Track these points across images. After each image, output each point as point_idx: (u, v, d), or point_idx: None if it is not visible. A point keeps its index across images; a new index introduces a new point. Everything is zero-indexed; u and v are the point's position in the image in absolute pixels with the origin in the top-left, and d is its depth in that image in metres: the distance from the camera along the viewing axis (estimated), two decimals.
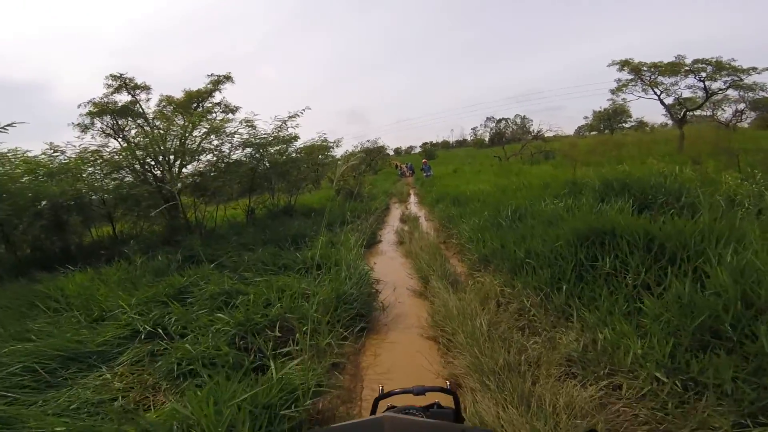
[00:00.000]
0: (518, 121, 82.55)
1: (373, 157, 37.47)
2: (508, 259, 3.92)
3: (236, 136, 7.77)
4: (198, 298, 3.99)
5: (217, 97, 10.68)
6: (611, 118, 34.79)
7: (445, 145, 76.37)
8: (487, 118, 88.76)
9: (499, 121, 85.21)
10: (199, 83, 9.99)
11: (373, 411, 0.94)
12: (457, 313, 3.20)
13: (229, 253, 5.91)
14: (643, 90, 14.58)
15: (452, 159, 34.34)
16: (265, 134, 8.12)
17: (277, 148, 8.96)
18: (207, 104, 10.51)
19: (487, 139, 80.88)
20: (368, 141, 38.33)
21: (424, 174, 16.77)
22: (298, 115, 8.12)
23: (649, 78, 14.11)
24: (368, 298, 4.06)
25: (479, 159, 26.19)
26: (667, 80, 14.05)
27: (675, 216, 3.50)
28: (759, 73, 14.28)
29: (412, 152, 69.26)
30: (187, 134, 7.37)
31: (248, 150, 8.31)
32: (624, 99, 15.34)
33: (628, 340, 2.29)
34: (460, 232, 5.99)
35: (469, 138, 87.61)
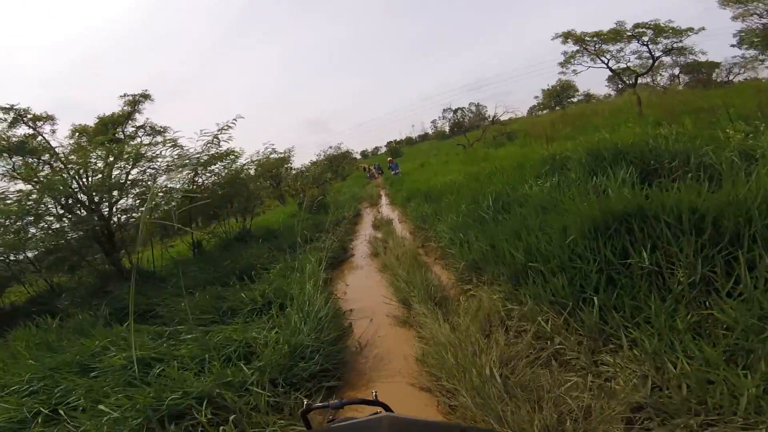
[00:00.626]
0: (473, 108, 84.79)
1: (338, 163, 36.45)
2: (505, 263, 3.11)
3: (159, 159, 6.54)
4: (107, 368, 2.95)
5: (139, 119, 9.35)
6: (560, 95, 35.70)
7: (409, 141, 76.29)
8: (444, 110, 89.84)
9: (456, 110, 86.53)
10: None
11: (306, 423, 0.93)
12: (453, 353, 2.33)
13: (166, 300, 4.77)
14: (591, 60, 14.53)
15: (417, 154, 33.85)
16: (195, 154, 6.91)
17: (217, 166, 7.78)
18: (128, 129, 9.14)
19: (447, 129, 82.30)
20: (331, 147, 37.22)
21: (392, 172, 15.98)
22: (230, 127, 6.98)
23: (594, 47, 14.04)
24: (335, 345, 3.11)
25: (443, 150, 25.79)
26: (612, 48, 14.04)
27: (693, 182, 2.83)
28: (696, 33, 14.64)
29: (379, 153, 68.67)
30: (107, 166, 6.09)
31: (179, 174, 7.09)
32: (574, 71, 15.28)
33: (722, 371, 1.51)
34: (438, 233, 5.16)
35: (430, 131, 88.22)
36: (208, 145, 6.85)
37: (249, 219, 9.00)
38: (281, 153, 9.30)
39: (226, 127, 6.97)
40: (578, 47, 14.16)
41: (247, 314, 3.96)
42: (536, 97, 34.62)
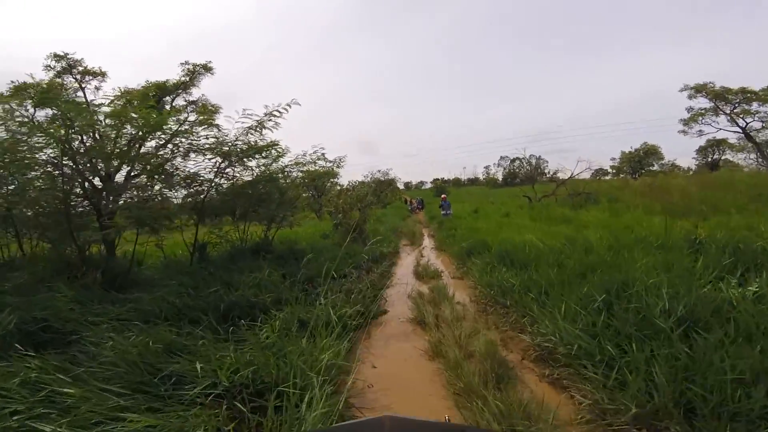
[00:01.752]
0: (533, 161, 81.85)
1: (382, 189, 35.48)
2: None
3: (185, 137, 5.26)
4: None
5: (195, 93, 8.48)
6: (641, 160, 32.56)
7: (457, 182, 74.80)
8: (501, 157, 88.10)
9: (513, 160, 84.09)
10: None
11: None
12: None
13: (92, 329, 3.18)
14: (730, 120, 12.09)
15: (466, 197, 31.90)
16: (230, 139, 5.60)
17: (255, 161, 6.45)
18: (179, 101, 8.27)
19: (500, 178, 79.57)
20: (379, 171, 36.54)
21: (443, 212, 14.15)
22: (280, 113, 5.60)
23: (733, 107, 11.67)
24: None
25: (499, 198, 23.64)
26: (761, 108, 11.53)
27: None
28: None
29: (423, 187, 67.63)
30: (118, 133, 4.91)
31: (208, 159, 5.78)
32: (700, 131, 12.88)
33: None
34: (545, 327, 3.20)
35: (481, 176, 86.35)
36: (249, 130, 5.51)
37: (274, 229, 7.51)
38: (330, 162, 7.78)
39: (276, 113, 5.61)
40: (711, 104, 11.87)
41: (189, 402, 2.23)
42: (613, 158, 31.77)
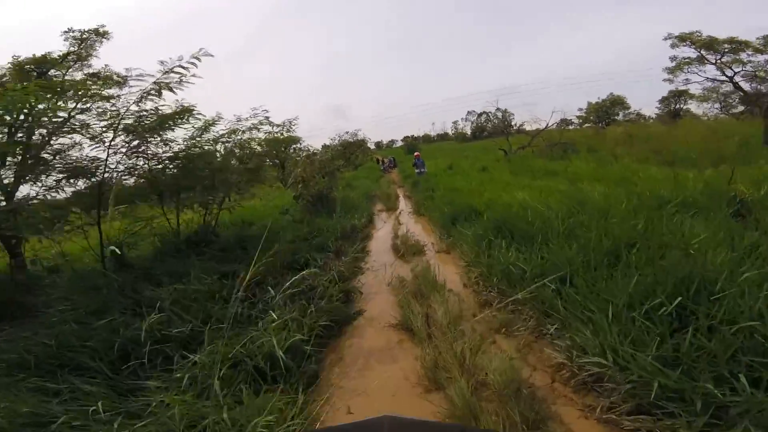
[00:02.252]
0: (499, 114, 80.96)
1: (352, 150, 33.47)
2: None
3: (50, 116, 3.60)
4: None
5: (96, 64, 6.48)
6: (608, 110, 32.46)
7: (427, 138, 73.11)
8: (468, 112, 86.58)
9: (480, 114, 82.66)
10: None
11: None
12: None
13: None
14: (719, 70, 11.35)
15: (438, 152, 30.77)
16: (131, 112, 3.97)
17: (183, 135, 4.87)
18: (75, 74, 6.27)
19: (469, 132, 78.58)
20: (347, 133, 34.26)
21: (417, 171, 12.98)
22: (185, 68, 3.92)
23: (720, 55, 10.89)
24: None
25: (472, 152, 22.73)
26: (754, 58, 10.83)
27: None
28: None
29: (394, 146, 65.66)
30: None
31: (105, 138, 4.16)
32: (687, 80, 12.16)
33: None
34: (584, 339, 2.26)
35: (450, 132, 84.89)
36: (145, 96, 3.87)
37: (215, 212, 6.08)
38: (278, 126, 6.23)
39: (179, 69, 3.92)
40: (697, 53, 11.03)
41: None
42: (580, 108, 31.33)
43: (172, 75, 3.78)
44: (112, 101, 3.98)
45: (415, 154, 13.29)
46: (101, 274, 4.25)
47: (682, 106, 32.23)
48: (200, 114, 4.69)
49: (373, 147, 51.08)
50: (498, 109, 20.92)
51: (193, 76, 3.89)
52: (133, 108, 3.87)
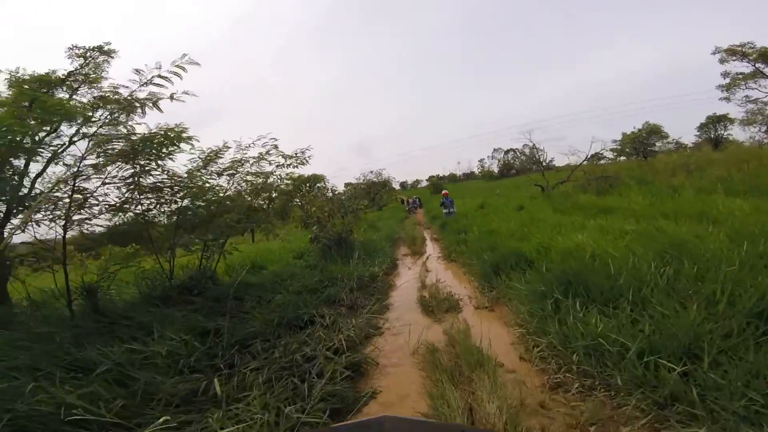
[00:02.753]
0: (527, 151, 79.62)
1: (377, 190, 33.35)
2: None
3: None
4: None
5: (105, 84, 6.34)
6: (645, 141, 30.66)
7: (452, 177, 72.93)
8: (495, 150, 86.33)
9: (507, 151, 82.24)
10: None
11: None
12: None
13: None
14: None
15: (465, 191, 29.83)
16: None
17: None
18: (84, 96, 6.14)
19: (496, 170, 77.46)
20: (372, 173, 34.44)
21: (445, 211, 11.99)
22: (164, 78, 3.37)
23: None
24: None
25: (504, 190, 21.57)
26: None
27: None
28: None
29: (419, 186, 65.73)
30: None
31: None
32: (747, 97, 10.89)
33: None
34: None
35: (476, 170, 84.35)
36: (118, 110, 3.34)
37: (215, 257, 5.35)
38: (290, 157, 5.59)
39: (160, 78, 3.37)
40: (752, 67, 9.87)
41: None
42: (615, 140, 29.73)
43: (153, 88, 3.23)
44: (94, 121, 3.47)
45: (443, 192, 12.40)
46: (59, 321, 3.50)
47: (722, 132, 29.96)
48: (189, 137, 4.05)
49: (398, 187, 51.19)
50: (526, 144, 19.97)
51: (185, 93, 3.33)
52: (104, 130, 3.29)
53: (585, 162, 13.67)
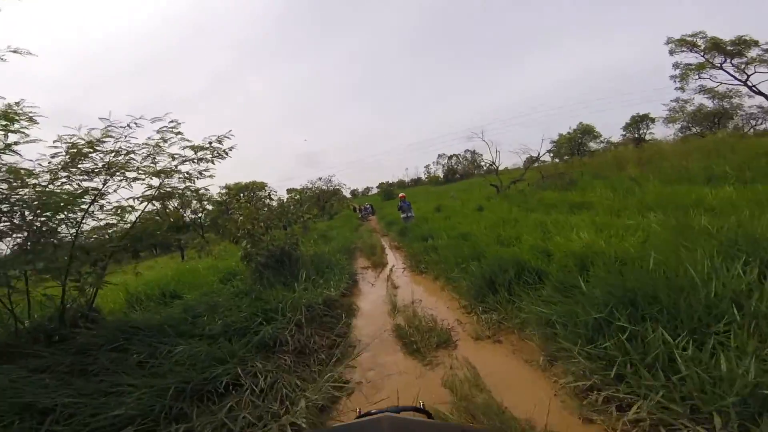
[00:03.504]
0: (468, 156, 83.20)
1: (327, 198, 31.59)
2: None
3: None
4: None
5: None
6: (580, 140, 32.95)
7: (401, 184, 73.36)
8: (439, 155, 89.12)
9: (451, 157, 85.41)
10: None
11: None
12: None
13: None
14: (738, 71, 10.56)
15: (417, 195, 29.41)
16: None
17: None
18: None
19: (441, 175, 79.62)
20: (320, 179, 32.60)
21: (403, 215, 10.91)
22: None
23: (729, 57, 10.16)
24: None
25: (456, 192, 21.32)
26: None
27: None
28: None
29: (370, 193, 64.95)
30: None
31: None
32: (702, 86, 11.34)
33: None
34: None
35: (423, 176, 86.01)
36: None
37: (90, 290, 3.56)
38: (201, 150, 3.98)
39: None
40: (703, 58, 10.24)
41: None
42: (553, 141, 31.44)
43: None
44: None
45: (401, 195, 11.33)
46: None
47: (644, 130, 33.54)
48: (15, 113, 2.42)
49: (348, 195, 49.75)
50: (467, 150, 20.00)
51: None
52: None
53: (536, 161, 13.64)
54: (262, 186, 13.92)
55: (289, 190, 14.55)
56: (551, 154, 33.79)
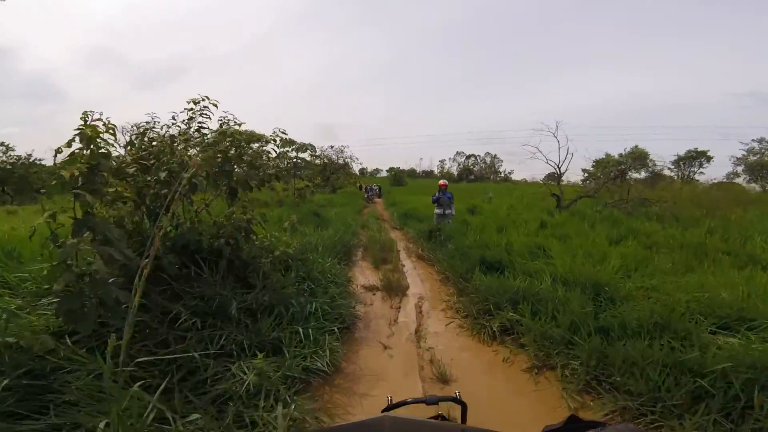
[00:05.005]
0: (487, 159, 78.92)
1: (333, 170, 28.26)
2: None
3: None
4: None
5: None
6: (630, 165, 29.59)
7: (412, 173, 69.64)
8: (457, 152, 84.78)
9: (469, 156, 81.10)
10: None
11: None
12: None
13: None
14: None
15: (422, 189, 26.08)
16: None
17: None
18: None
19: (455, 173, 75.63)
20: (332, 148, 29.08)
21: (438, 211, 7.38)
22: None
23: None
24: None
25: (472, 194, 17.97)
26: None
27: None
28: None
29: (378, 175, 61.40)
30: None
31: None
32: None
33: None
34: None
35: (436, 170, 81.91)
36: None
37: None
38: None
39: None
40: None
41: None
42: (593, 165, 27.91)
43: None
44: None
45: (441, 183, 7.55)
46: None
47: (696, 168, 30.03)
48: None
49: (357, 172, 46.20)
50: (487, 153, 16.63)
51: None
52: None
53: (620, 177, 10.33)
54: (260, 137, 10.56)
55: (284, 142, 11.13)
56: (584, 174, 30.08)
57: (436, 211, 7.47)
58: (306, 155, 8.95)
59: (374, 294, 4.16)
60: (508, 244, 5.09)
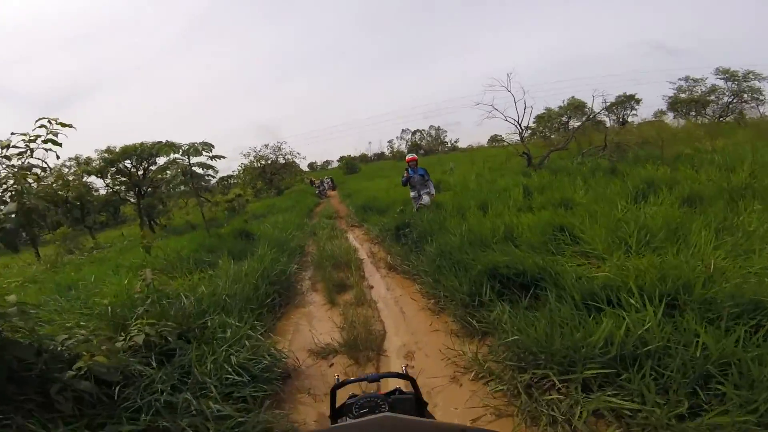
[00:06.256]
0: (432, 132, 79.12)
1: (275, 171, 25.50)
2: None
3: None
4: None
5: None
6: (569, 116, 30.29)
7: (364, 158, 67.79)
8: (403, 130, 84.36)
9: (414, 132, 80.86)
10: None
11: (333, 401, 0.90)
12: None
13: None
14: None
15: (386, 171, 24.49)
16: None
17: None
18: None
19: (405, 150, 74.87)
20: (267, 146, 26.08)
21: (413, 194, 5.71)
22: None
23: None
24: None
25: (450, 165, 16.68)
26: None
27: None
28: None
29: (329, 167, 58.78)
30: None
31: None
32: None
33: None
34: None
35: (386, 151, 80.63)
36: None
37: None
38: None
39: None
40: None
41: None
42: (534, 121, 28.02)
43: None
44: None
45: (409, 158, 5.68)
46: None
47: (628, 111, 31.58)
48: None
49: (306, 168, 43.04)
50: (431, 126, 15.49)
51: None
52: None
53: (590, 119, 9.32)
54: (171, 148, 7.75)
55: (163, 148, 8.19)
56: (530, 131, 30.21)
57: (411, 194, 5.82)
58: (202, 158, 6.60)
59: (331, 364, 2.44)
60: (507, 230, 3.59)
